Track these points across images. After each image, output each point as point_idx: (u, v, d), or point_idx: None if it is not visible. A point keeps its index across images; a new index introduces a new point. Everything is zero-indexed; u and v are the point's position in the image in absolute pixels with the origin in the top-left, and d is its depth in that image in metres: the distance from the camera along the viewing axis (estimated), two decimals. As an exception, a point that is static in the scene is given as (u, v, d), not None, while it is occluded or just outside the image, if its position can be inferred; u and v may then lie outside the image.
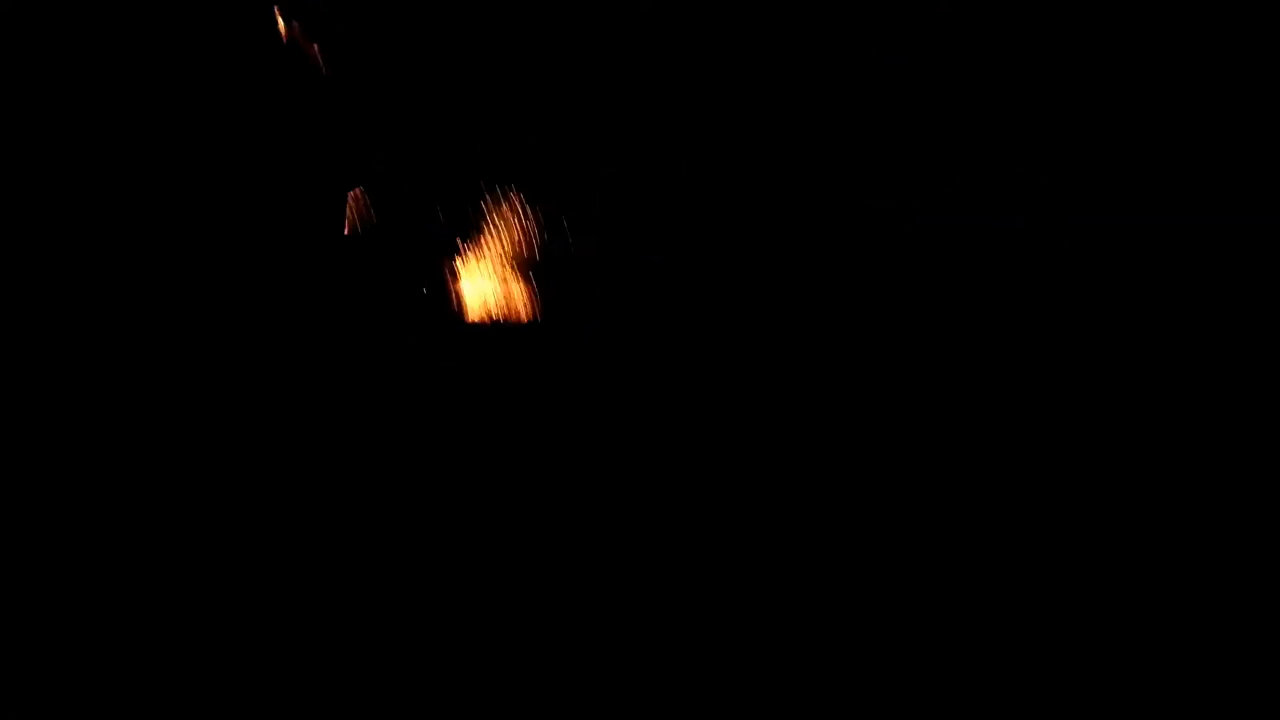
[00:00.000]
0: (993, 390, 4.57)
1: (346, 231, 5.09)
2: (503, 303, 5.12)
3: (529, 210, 5.09)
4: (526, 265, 5.10)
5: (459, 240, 5.13)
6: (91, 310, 4.78)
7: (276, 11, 5.05)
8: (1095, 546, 4.19)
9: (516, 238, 5.10)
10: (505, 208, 5.11)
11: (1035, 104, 4.82)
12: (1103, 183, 4.72)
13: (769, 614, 4.12)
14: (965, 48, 4.90)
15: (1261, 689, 3.76)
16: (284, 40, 5.09)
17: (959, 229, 4.77)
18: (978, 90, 4.87)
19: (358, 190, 5.07)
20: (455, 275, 5.13)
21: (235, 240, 4.92)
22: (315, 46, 5.15)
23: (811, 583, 4.22)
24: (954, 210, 4.80)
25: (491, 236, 5.12)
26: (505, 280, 5.11)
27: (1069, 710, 3.80)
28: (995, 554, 4.22)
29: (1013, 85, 4.84)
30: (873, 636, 4.04)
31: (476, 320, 5.12)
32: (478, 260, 5.12)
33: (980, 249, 4.74)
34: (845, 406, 4.62)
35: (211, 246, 4.90)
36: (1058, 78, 4.82)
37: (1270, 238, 4.52)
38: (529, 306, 5.10)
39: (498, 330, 5.12)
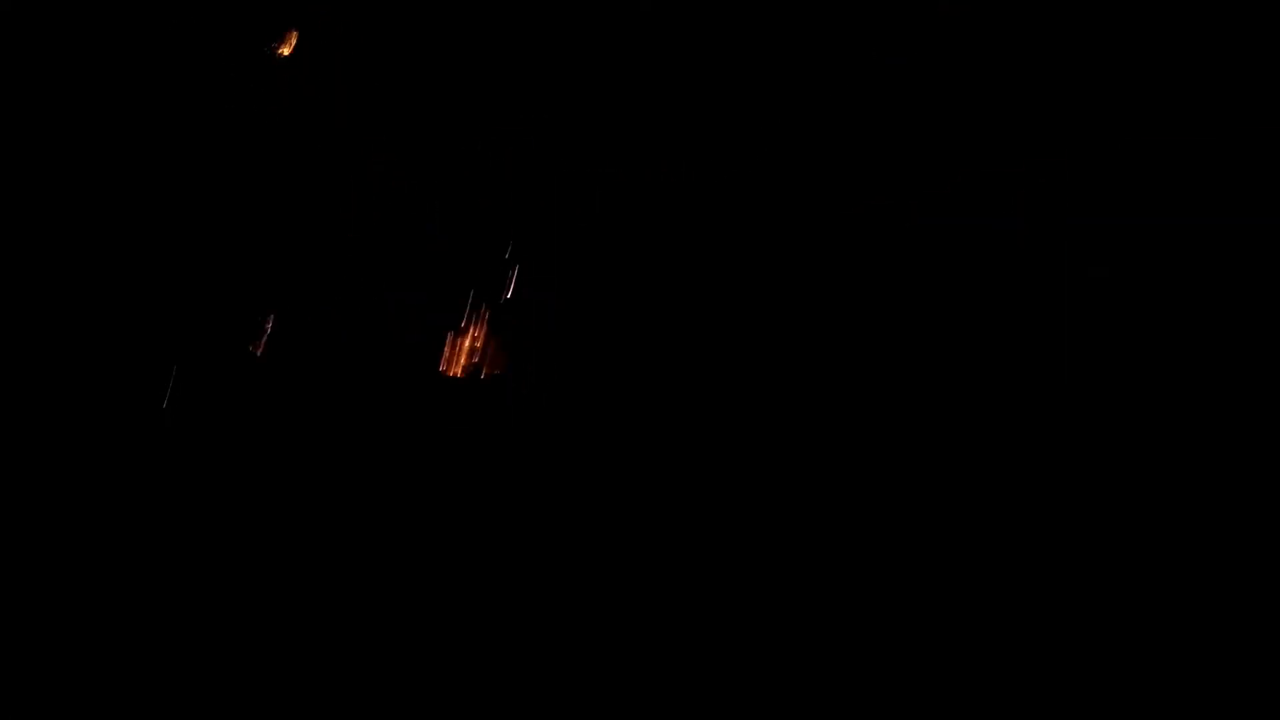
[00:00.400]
0: (992, 389, 4.57)
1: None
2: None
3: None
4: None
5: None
6: (87, 313, 4.80)
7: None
8: (1093, 542, 4.20)
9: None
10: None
11: (1035, 104, 4.82)
12: (1103, 183, 4.72)
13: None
14: (965, 48, 4.90)
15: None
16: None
17: (959, 229, 4.77)
18: (977, 90, 4.87)
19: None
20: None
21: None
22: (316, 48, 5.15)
23: (810, 578, 4.23)
24: (954, 210, 4.80)
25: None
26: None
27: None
28: (991, 552, 4.23)
29: (1012, 85, 4.84)
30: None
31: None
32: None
33: (980, 249, 4.73)
34: (845, 405, 4.62)
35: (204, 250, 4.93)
36: (1057, 78, 4.82)
37: (1270, 238, 4.53)
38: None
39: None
